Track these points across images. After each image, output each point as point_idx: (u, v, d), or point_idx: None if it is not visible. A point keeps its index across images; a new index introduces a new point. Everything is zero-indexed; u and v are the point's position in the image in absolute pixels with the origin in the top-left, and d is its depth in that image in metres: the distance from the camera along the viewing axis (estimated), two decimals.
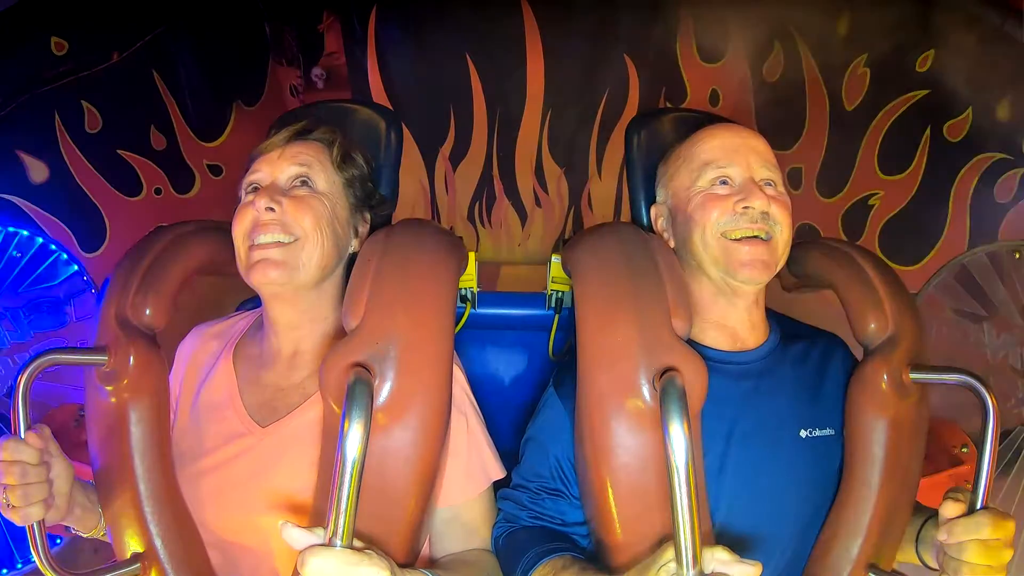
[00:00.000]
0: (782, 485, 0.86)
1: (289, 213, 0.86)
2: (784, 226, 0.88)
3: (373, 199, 0.99)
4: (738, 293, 0.90)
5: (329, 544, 0.65)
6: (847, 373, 0.90)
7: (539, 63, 2.45)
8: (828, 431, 0.89)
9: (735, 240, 0.87)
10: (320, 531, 0.67)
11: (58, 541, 1.54)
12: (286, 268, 0.86)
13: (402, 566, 0.75)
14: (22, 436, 0.77)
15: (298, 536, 0.66)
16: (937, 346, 1.70)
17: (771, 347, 0.94)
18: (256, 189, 0.90)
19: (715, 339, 0.92)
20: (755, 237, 0.86)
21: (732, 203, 0.87)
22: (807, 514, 0.87)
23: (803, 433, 0.88)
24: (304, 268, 0.87)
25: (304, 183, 0.90)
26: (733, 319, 0.92)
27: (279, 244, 0.86)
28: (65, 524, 0.87)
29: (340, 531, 0.65)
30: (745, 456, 0.86)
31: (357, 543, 0.68)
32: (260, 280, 0.86)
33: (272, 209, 0.86)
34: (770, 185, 0.89)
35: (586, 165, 2.59)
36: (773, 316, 0.99)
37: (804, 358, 0.94)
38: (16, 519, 0.77)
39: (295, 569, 0.83)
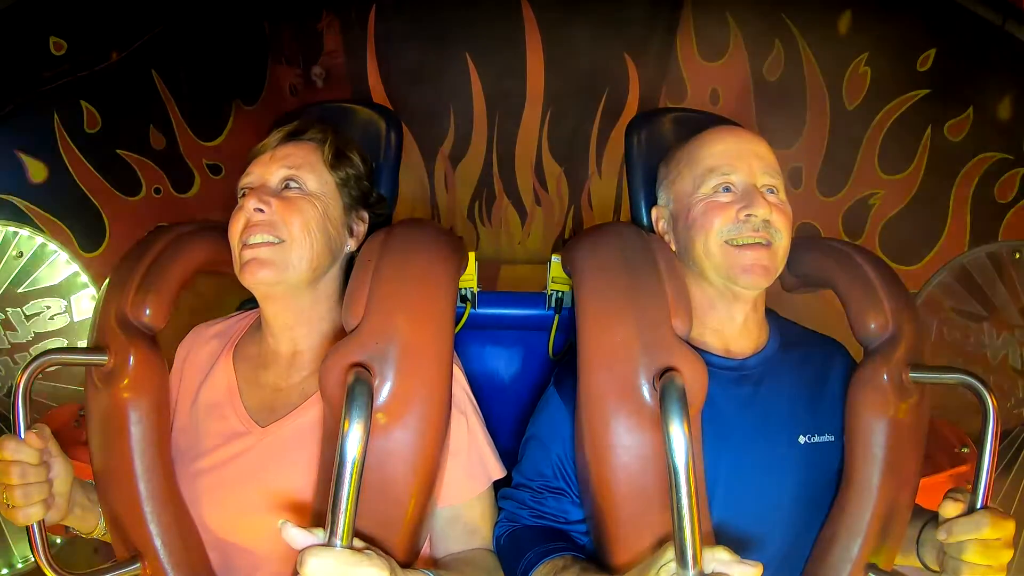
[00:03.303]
0: (779, 491, 0.86)
1: (278, 214, 0.86)
2: (784, 233, 0.88)
3: (370, 198, 0.99)
4: (738, 297, 0.90)
5: (328, 544, 0.65)
6: (847, 379, 0.89)
7: (539, 63, 2.45)
8: (827, 437, 0.88)
9: (737, 247, 0.87)
10: (320, 532, 0.67)
11: (58, 541, 1.54)
12: (275, 268, 0.85)
13: (403, 566, 0.75)
14: (22, 436, 0.77)
15: (298, 536, 0.66)
16: (937, 346, 1.70)
17: (771, 352, 0.94)
18: (248, 191, 0.90)
19: (714, 343, 0.92)
20: (757, 244, 0.87)
21: (735, 211, 0.87)
22: (805, 518, 0.87)
23: (802, 439, 0.88)
24: (294, 268, 0.87)
25: (294, 185, 0.90)
26: (732, 324, 0.92)
27: (269, 244, 0.86)
28: (65, 524, 0.87)
29: (340, 531, 0.65)
30: (743, 461, 0.85)
31: (357, 543, 0.68)
32: (251, 280, 0.86)
33: (261, 210, 0.86)
34: (772, 192, 0.89)
35: (586, 164, 2.59)
36: (774, 320, 0.99)
37: (804, 364, 0.94)
38: (16, 519, 0.77)
39: (294, 569, 0.83)
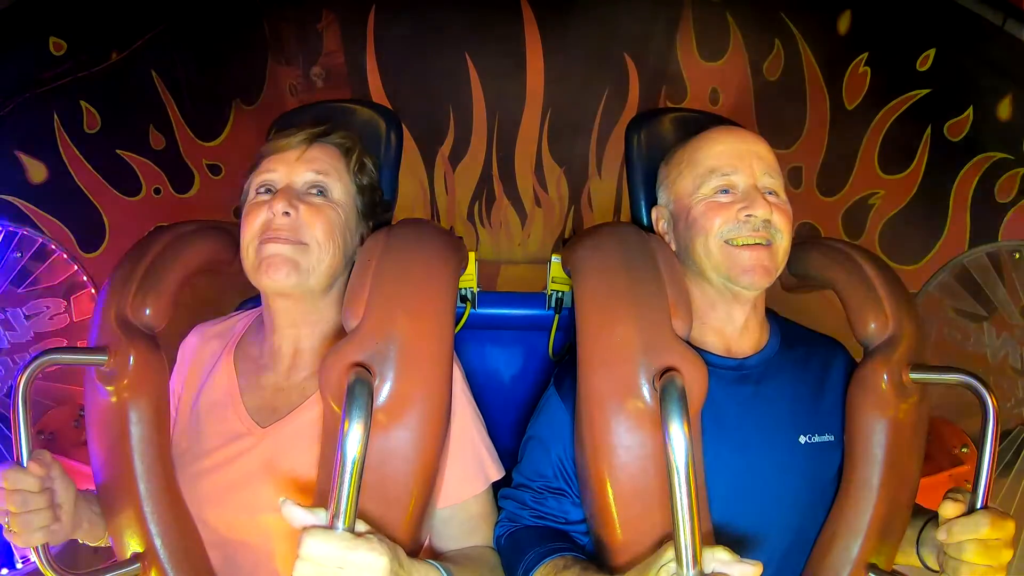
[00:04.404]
0: (780, 491, 0.86)
1: (304, 219, 0.86)
2: (785, 234, 0.89)
3: (379, 206, 0.99)
4: (738, 298, 0.91)
5: (331, 527, 0.65)
6: (848, 379, 0.89)
7: (539, 63, 2.45)
8: (828, 437, 0.89)
9: (737, 247, 0.87)
10: (322, 511, 0.66)
11: None
12: (296, 269, 0.85)
13: None
14: (24, 453, 0.77)
15: (299, 515, 0.66)
16: (937, 346, 1.70)
17: (771, 352, 0.94)
18: (270, 190, 0.89)
19: (714, 343, 0.92)
20: (757, 244, 0.87)
21: (735, 211, 0.87)
22: (805, 519, 0.87)
23: (802, 439, 0.88)
24: (315, 273, 0.86)
25: (320, 191, 0.89)
26: (732, 324, 0.92)
27: (291, 243, 0.85)
28: (73, 537, 0.87)
29: (342, 514, 0.64)
30: (743, 461, 0.86)
31: (361, 526, 0.67)
32: (269, 279, 0.84)
33: (288, 214, 0.85)
34: (772, 193, 0.89)
35: (586, 164, 2.59)
36: (774, 320, 0.99)
37: (805, 363, 0.94)
38: (18, 543, 0.77)
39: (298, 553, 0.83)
